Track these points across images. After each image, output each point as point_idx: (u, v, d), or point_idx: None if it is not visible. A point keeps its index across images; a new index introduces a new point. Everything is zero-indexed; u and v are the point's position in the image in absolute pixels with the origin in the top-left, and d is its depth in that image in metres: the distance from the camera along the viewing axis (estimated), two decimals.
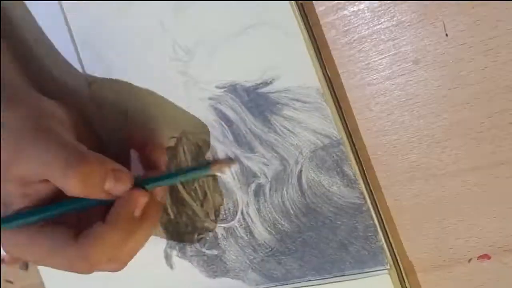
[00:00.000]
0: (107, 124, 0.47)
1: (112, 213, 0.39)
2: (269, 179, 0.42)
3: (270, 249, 0.43)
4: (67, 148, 0.38)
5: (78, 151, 0.38)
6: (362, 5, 0.37)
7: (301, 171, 0.41)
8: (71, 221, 0.40)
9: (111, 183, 0.39)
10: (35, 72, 0.47)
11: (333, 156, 0.39)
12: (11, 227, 0.38)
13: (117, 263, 0.42)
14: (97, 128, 0.47)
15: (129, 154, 0.46)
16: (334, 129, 0.39)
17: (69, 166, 0.37)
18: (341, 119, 0.39)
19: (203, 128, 0.43)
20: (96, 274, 0.49)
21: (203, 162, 0.44)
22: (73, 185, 0.37)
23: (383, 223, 0.40)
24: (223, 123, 0.42)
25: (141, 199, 0.40)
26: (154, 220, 0.42)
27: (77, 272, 0.39)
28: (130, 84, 0.45)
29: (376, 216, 0.39)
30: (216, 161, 0.43)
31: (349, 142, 0.39)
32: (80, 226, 0.39)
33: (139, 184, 0.41)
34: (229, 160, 0.43)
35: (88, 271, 0.39)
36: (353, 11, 0.37)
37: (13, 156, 0.37)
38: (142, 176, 0.43)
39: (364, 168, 0.40)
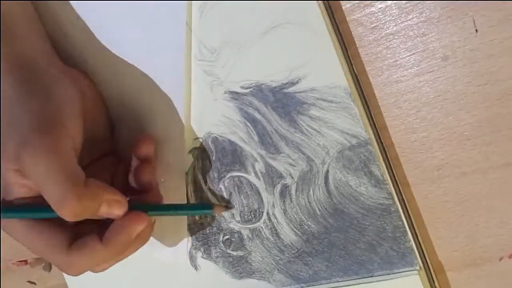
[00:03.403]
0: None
1: (109, 234, 0.39)
2: (295, 180, 0.42)
3: (297, 250, 0.43)
4: (67, 177, 0.37)
5: (76, 183, 0.37)
6: (390, 1, 0.37)
7: (327, 171, 0.40)
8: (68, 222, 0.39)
9: (104, 210, 0.39)
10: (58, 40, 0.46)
11: (360, 157, 0.39)
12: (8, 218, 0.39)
13: (101, 270, 0.42)
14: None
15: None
16: (362, 129, 0.38)
17: (63, 199, 0.36)
18: (368, 118, 0.39)
19: (229, 129, 0.43)
20: (123, 276, 0.49)
21: (207, 203, 0.45)
22: (65, 216, 0.37)
23: (412, 222, 0.39)
24: (248, 124, 0.42)
25: (141, 224, 0.40)
26: (146, 239, 0.43)
27: (63, 272, 0.41)
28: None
29: (405, 215, 0.39)
30: (217, 205, 0.44)
31: (377, 140, 0.39)
32: (77, 228, 0.40)
33: (140, 208, 0.40)
34: (231, 206, 0.44)
35: (74, 275, 0.40)
36: (381, 7, 0.37)
37: (14, 154, 0.37)
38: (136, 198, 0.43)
39: (392, 166, 0.39)
